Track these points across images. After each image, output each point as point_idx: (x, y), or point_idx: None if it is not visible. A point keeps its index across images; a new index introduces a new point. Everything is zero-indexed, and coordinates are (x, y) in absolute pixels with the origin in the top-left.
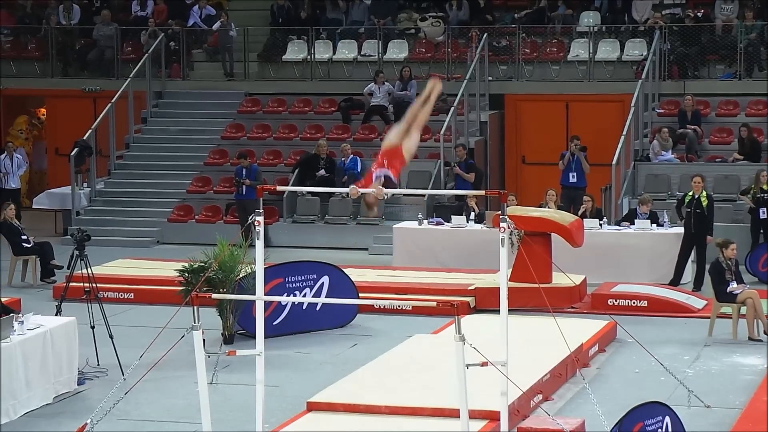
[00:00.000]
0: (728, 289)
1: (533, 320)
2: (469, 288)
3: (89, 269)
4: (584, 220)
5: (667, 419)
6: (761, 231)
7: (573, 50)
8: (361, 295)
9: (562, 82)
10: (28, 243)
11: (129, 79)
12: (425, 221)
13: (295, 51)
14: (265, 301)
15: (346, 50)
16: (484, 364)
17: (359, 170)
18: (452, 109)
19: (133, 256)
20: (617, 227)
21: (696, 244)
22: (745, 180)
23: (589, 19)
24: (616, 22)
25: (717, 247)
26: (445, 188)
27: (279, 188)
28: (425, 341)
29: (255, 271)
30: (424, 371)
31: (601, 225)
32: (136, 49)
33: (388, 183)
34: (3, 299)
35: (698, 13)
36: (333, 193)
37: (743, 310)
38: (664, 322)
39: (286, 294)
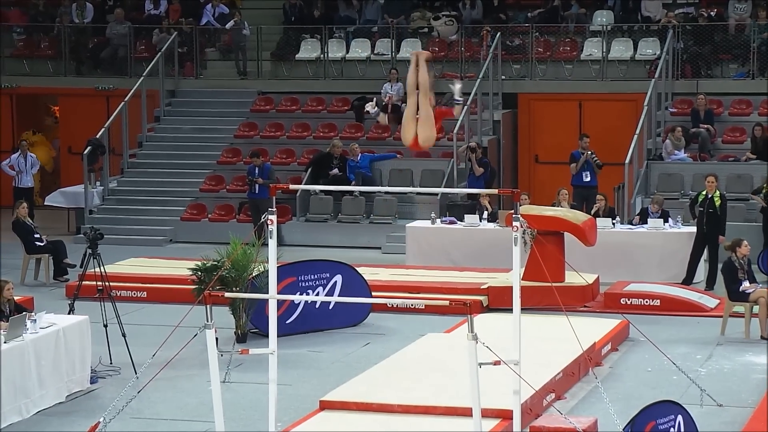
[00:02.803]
0: (740, 288)
1: (546, 319)
2: (482, 287)
3: (102, 268)
4: (597, 219)
5: (680, 418)
6: None
7: (586, 49)
8: (373, 293)
9: (575, 81)
10: (41, 241)
11: (142, 78)
12: (438, 220)
13: (308, 50)
14: (277, 300)
15: (360, 49)
16: (496, 363)
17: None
18: (465, 108)
19: (146, 254)
20: (630, 226)
21: (708, 243)
22: (758, 179)
23: (603, 18)
24: (629, 21)
25: (726, 250)
26: (457, 186)
27: (292, 187)
28: (438, 340)
29: (268, 270)
30: (436, 370)
31: (614, 224)
32: (150, 47)
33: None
34: (16, 298)
35: (711, 13)
36: (346, 191)
37: (756, 309)
38: (677, 321)
39: (298, 293)
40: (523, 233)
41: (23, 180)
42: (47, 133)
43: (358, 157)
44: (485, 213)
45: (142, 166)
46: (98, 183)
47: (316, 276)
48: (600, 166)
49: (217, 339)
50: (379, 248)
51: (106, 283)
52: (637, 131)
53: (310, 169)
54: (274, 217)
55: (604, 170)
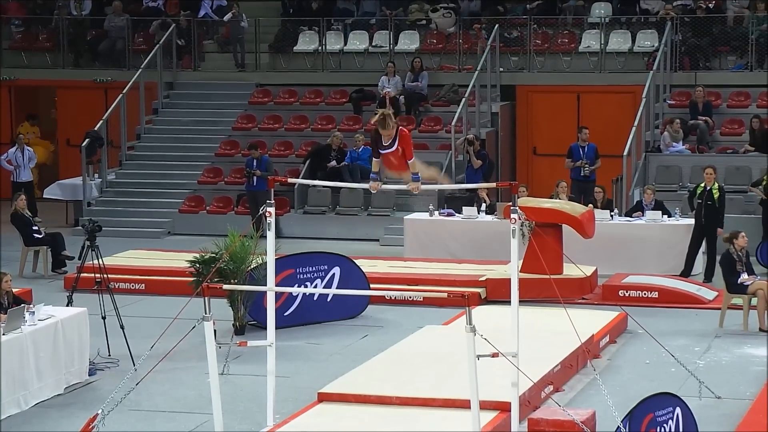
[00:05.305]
0: (739, 281)
1: (544, 311)
2: (480, 279)
3: (100, 260)
4: (595, 211)
5: (678, 410)
6: None
7: (584, 41)
8: (372, 286)
9: (574, 73)
10: (39, 234)
11: (140, 70)
12: (436, 212)
13: (306, 42)
14: (276, 292)
15: (358, 41)
16: (494, 355)
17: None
18: (463, 100)
19: (145, 246)
20: (628, 218)
21: (707, 235)
22: (757, 171)
23: (601, 10)
24: (628, 13)
25: (725, 242)
26: (454, 178)
27: (290, 180)
28: (436, 332)
29: (266, 262)
30: (435, 362)
31: (612, 216)
32: (148, 39)
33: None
34: (14, 290)
35: (709, 4)
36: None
37: (754, 301)
38: (675, 314)
39: (297, 285)
40: (521, 225)
41: (21, 174)
42: (50, 127)
43: (360, 149)
44: (483, 205)
45: (141, 158)
46: (96, 175)
47: (314, 268)
48: (594, 170)
49: (215, 331)
50: (377, 240)
51: (105, 275)
52: (636, 123)
53: (308, 162)
54: (272, 210)
55: (602, 162)
